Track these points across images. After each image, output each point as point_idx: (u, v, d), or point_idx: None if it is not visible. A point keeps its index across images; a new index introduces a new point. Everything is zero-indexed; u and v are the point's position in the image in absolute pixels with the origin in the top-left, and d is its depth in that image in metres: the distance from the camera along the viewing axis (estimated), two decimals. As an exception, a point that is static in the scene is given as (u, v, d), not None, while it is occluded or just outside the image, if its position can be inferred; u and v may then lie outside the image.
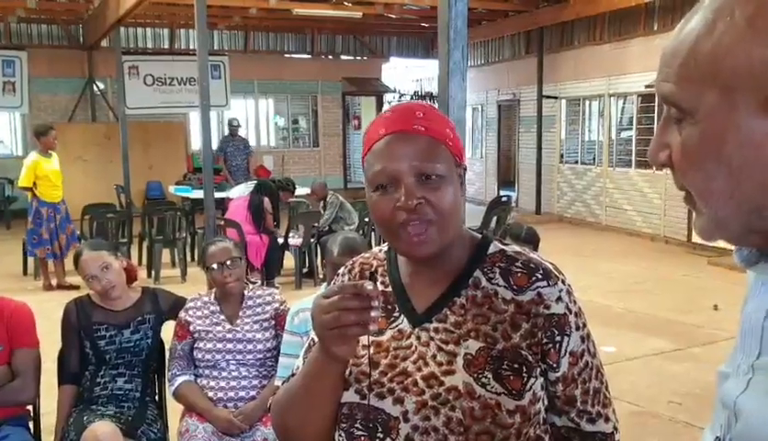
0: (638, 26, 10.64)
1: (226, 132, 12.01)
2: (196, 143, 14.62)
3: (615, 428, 1.21)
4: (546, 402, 1.15)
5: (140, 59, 13.12)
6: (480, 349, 1.12)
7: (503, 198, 9.68)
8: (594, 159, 12.08)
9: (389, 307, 1.21)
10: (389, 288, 1.23)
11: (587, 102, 12.24)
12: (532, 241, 2.94)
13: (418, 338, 1.16)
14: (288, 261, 8.03)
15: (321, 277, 7.92)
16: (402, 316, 1.19)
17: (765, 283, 0.73)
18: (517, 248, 1.23)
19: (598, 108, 11.90)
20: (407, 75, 18.55)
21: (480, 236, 1.24)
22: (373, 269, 1.28)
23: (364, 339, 1.13)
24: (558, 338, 1.13)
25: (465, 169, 1.20)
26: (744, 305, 0.81)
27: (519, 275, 1.15)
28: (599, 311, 6.19)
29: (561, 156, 12.87)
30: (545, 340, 1.13)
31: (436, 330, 1.15)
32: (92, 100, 13.66)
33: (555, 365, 1.14)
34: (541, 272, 1.15)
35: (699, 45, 0.68)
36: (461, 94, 2.49)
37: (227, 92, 13.47)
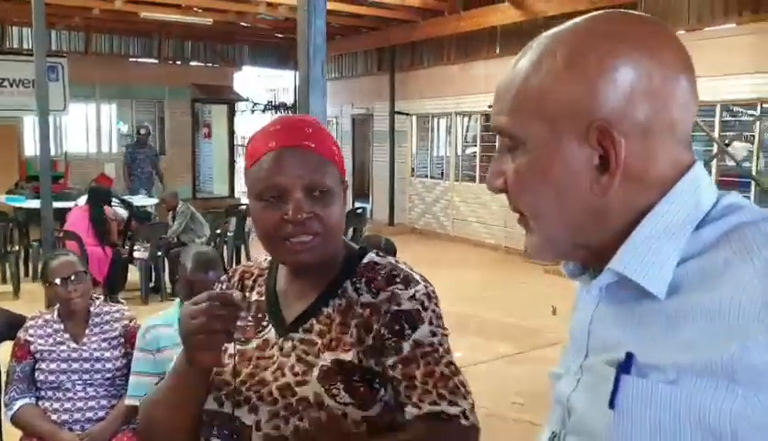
0: (483, 49, 11.26)
1: (132, 140, 11.40)
2: (29, 149, 13.61)
3: (464, 415, 1.10)
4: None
5: (-35, 57, 12.03)
6: (335, 361, 1.13)
7: (359, 210, 9.86)
8: (443, 173, 12.60)
9: (260, 316, 1.22)
10: (263, 298, 1.25)
11: (436, 119, 12.76)
12: (391, 251, 3.05)
13: (281, 349, 1.18)
14: (133, 275, 7.68)
15: (168, 291, 7.65)
16: (270, 326, 1.21)
17: (589, 292, 0.82)
18: (391, 260, 1.25)
19: (446, 125, 12.44)
20: (261, 85, 18.37)
21: (356, 248, 1.27)
22: (253, 278, 1.29)
23: (230, 348, 1.14)
24: (407, 331, 1.12)
25: (347, 186, 1.24)
26: (573, 312, 0.91)
27: (380, 280, 1.18)
28: (446, 318, 6.45)
29: (413, 170, 13.30)
30: (388, 335, 1.13)
31: (301, 340, 1.17)
32: None
33: (395, 351, 1.11)
34: (401, 277, 1.18)
35: (528, 82, 0.77)
36: (321, 108, 2.54)
37: (65, 96, 12.62)
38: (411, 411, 1.09)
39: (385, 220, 13.50)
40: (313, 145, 1.17)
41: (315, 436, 1.10)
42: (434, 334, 1.15)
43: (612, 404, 0.71)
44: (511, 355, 5.92)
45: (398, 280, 1.18)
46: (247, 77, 17.62)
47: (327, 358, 1.14)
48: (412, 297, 1.16)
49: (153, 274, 7.66)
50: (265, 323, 1.21)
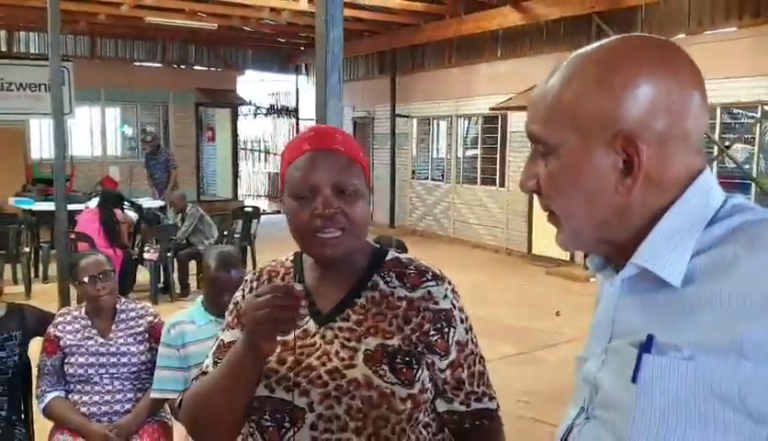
0: (484, 52, 11.39)
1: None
2: (36, 152, 13.74)
3: (498, 406, 1.40)
4: (432, 393, 1.32)
5: (-28, 61, 12.14)
6: (378, 345, 1.27)
7: (361, 212, 9.95)
8: (443, 175, 12.72)
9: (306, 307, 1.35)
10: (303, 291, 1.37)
11: (436, 122, 12.88)
12: (402, 246, 3.19)
13: (323, 337, 1.30)
14: (143, 276, 7.80)
15: (177, 292, 7.78)
16: (308, 318, 1.33)
17: (612, 284, 0.95)
18: (410, 256, 1.42)
19: (447, 128, 12.56)
20: (263, 89, 18.48)
21: (378, 246, 1.42)
22: (280, 276, 1.41)
23: (290, 336, 1.26)
24: (445, 330, 1.31)
25: (371, 189, 1.38)
26: (597, 302, 1.03)
27: (412, 275, 1.34)
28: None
29: (413, 172, 13.42)
30: (432, 331, 1.29)
31: (340, 329, 1.30)
32: None
33: (444, 353, 1.30)
34: (430, 274, 1.35)
35: (561, 96, 0.90)
36: (338, 115, 2.66)
37: (71, 99, 12.72)
38: (459, 408, 1.34)
39: (386, 222, 13.62)
40: (342, 149, 1.30)
41: (367, 412, 1.23)
42: (467, 331, 1.35)
43: (635, 379, 0.84)
44: (514, 355, 6.03)
45: (429, 276, 1.34)
46: (250, 81, 17.73)
47: (371, 343, 1.27)
48: (445, 295, 1.32)
49: (163, 274, 7.78)
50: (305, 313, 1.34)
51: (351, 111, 14.97)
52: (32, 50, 13.54)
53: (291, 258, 1.44)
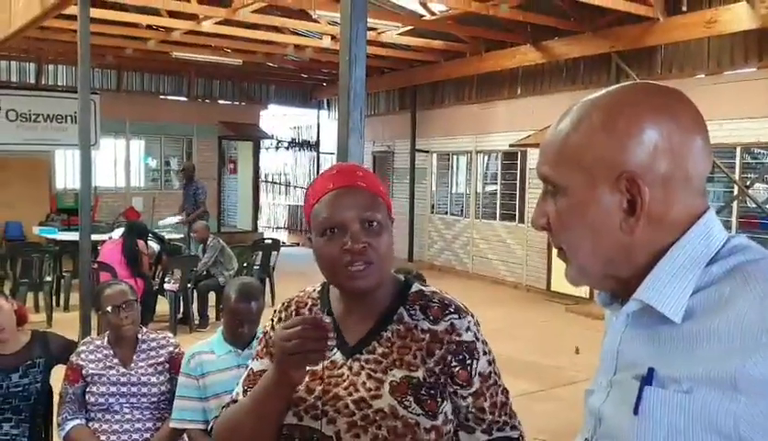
0: (504, 89, 11.49)
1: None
2: (60, 182, 13.99)
3: (522, 436, 1.42)
4: (455, 423, 1.35)
5: (2, 93, 12.45)
6: (403, 377, 1.31)
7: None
8: (462, 210, 12.75)
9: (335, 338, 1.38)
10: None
11: (456, 157, 12.96)
12: (421, 278, 3.21)
13: (350, 368, 1.34)
14: (162, 306, 7.86)
15: (196, 322, 7.82)
16: (335, 349, 1.36)
17: (618, 318, 0.98)
18: (434, 288, 1.45)
19: (466, 163, 12.62)
20: (285, 123, 18.73)
21: (402, 278, 1.45)
22: (308, 307, 1.45)
23: (319, 367, 1.30)
24: (468, 361, 1.34)
25: (393, 221, 1.42)
26: (604, 336, 1.06)
27: (435, 308, 1.37)
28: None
29: (432, 207, 13.47)
30: (454, 363, 1.33)
31: (367, 361, 1.34)
32: (-55, 134, 12.76)
33: (466, 384, 1.33)
34: (453, 307, 1.38)
35: (569, 139, 0.95)
36: (359, 150, 2.73)
37: (97, 131, 13.02)
38: (481, 437, 1.36)
39: (404, 256, 13.62)
40: (365, 185, 1.35)
41: None
42: (489, 364, 1.38)
43: (636, 411, 0.87)
44: (532, 392, 5.98)
45: (452, 309, 1.38)
46: (273, 115, 17.99)
47: (396, 375, 1.31)
48: (468, 328, 1.36)
49: (182, 305, 7.84)
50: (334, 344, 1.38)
51: (371, 146, 15.11)
52: (60, 83, 13.86)
53: (318, 289, 1.48)
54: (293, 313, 1.45)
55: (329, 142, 16.65)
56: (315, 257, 1.36)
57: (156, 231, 9.03)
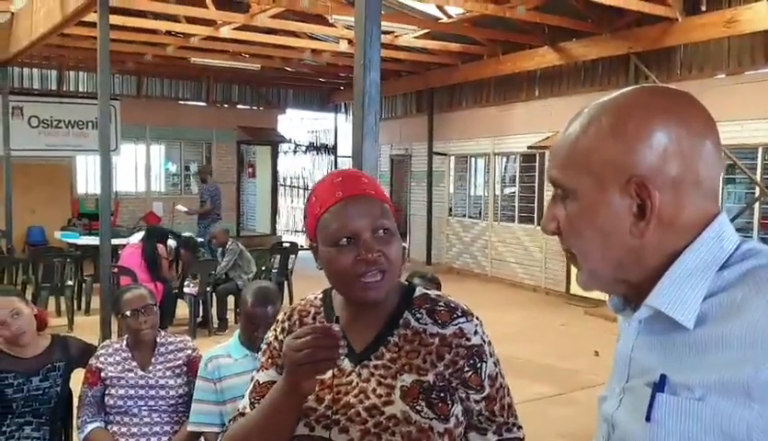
0: (522, 91, 11.44)
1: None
2: (81, 187, 14.15)
3: (524, 436, 1.43)
4: (465, 425, 1.34)
5: (24, 100, 12.63)
6: (413, 382, 1.30)
7: (397, 250, 9.99)
8: (480, 213, 12.71)
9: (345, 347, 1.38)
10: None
11: (474, 159, 12.92)
12: (436, 281, 3.23)
13: (359, 375, 1.33)
14: (181, 309, 7.92)
15: (215, 326, 7.87)
16: (343, 356, 1.34)
17: (630, 324, 0.97)
18: (438, 292, 1.45)
19: (484, 166, 12.58)
20: (302, 126, 18.82)
21: (407, 283, 1.45)
22: (311, 315, 1.44)
23: (328, 376, 1.29)
24: (478, 365, 1.34)
25: (408, 226, 1.42)
26: (617, 343, 1.05)
27: (442, 312, 1.37)
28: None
29: (450, 210, 13.44)
30: (467, 368, 1.33)
31: (375, 367, 1.33)
32: (-31, 140, 12.97)
33: (479, 387, 1.34)
34: (460, 310, 1.38)
35: (578, 143, 0.94)
36: (374, 154, 2.73)
37: (117, 137, 13.17)
38: (492, 438, 1.37)
39: (422, 259, 13.61)
40: (373, 192, 1.35)
41: None
42: (495, 365, 1.38)
43: (648, 418, 0.86)
44: (551, 396, 5.95)
45: (459, 312, 1.37)
46: (290, 119, 18.09)
47: (406, 380, 1.30)
48: (476, 331, 1.36)
49: (201, 309, 7.89)
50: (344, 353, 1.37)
51: (389, 149, 15.13)
52: (81, 89, 14.03)
53: (320, 297, 1.47)
54: (296, 322, 1.43)
55: (346, 146, 16.67)
56: (324, 267, 1.35)
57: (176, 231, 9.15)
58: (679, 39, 8.21)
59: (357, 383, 1.33)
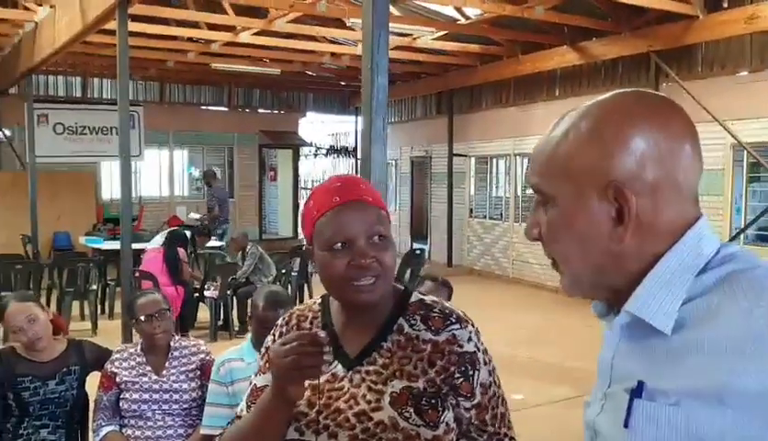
0: (542, 91, 11.38)
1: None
2: (106, 193, 14.36)
3: None
4: (457, 432, 1.34)
5: (49, 107, 12.84)
6: (403, 388, 1.31)
7: (417, 252, 10.01)
8: (501, 214, 12.65)
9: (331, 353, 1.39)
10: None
11: (494, 160, 12.87)
12: (447, 284, 3.22)
13: (351, 380, 1.34)
14: (203, 313, 7.99)
15: (236, 329, 7.93)
16: (336, 361, 1.36)
17: (612, 330, 0.97)
18: (434, 298, 1.45)
19: (505, 167, 12.53)
20: (323, 130, 18.91)
21: (402, 288, 1.45)
22: (308, 320, 1.45)
23: (315, 382, 1.31)
24: (470, 372, 1.33)
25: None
26: (602, 348, 1.05)
27: (436, 318, 1.37)
28: (505, 360, 6.49)
29: (471, 211, 13.39)
30: (457, 374, 1.32)
31: (367, 372, 1.34)
32: (-3, 148, 13.24)
33: (469, 395, 1.33)
34: (454, 317, 1.38)
35: (557, 148, 0.94)
36: (382, 157, 2.74)
37: (141, 142, 13.35)
38: None
39: (443, 261, 13.58)
40: (370, 199, 1.36)
41: None
42: (490, 373, 1.37)
43: (626, 424, 0.86)
44: (572, 398, 5.90)
45: (453, 319, 1.37)
46: (311, 122, 18.17)
47: (396, 386, 1.31)
48: (469, 338, 1.35)
49: (222, 312, 7.96)
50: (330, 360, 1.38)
51: (409, 151, 15.13)
52: (105, 96, 14.23)
53: (319, 302, 1.48)
54: (294, 327, 1.45)
55: (367, 149, 16.72)
56: (318, 271, 1.36)
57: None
58: (700, 37, 8.11)
59: (348, 389, 1.33)
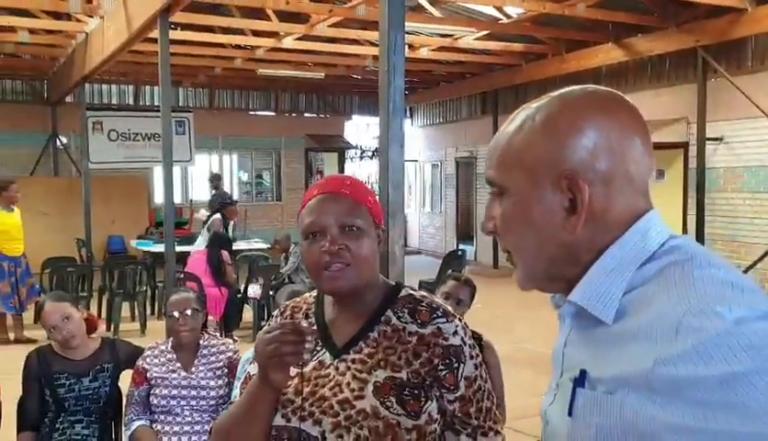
0: (587, 89, 11.18)
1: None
2: (159, 198, 14.74)
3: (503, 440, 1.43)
4: (441, 423, 1.36)
5: (104, 114, 13.26)
6: (387, 378, 1.34)
7: (459, 253, 9.97)
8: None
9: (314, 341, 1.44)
10: (314, 327, 1.46)
11: (541, 160, 12.70)
12: (470, 283, 3.23)
13: (336, 368, 1.38)
14: (248, 314, 8.13)
15: (280, 329, 8.05)
16: (324, 349, 1.42)
17: (564, 321, 0.98)
18: (425, 293, 1.48)
19: (551, 167, 12.35)
20: (368, 132, 19.00)
21: (393, 284, 1.49)
22: (302, 311, 1.51)
23: (293, 371, 1.35)
24: (455, 365, 1.36)
25: (383, 231, 1.46)
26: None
27: (423, 312, 1.40)
28: (544, 360, 6.41)
29: (517, 212, 13.24)
30: (441, 366, 1.35)
31: (353, 361, 1.38)
32: (54, 155, 13.72)
33: (453, 387, 1.35)
34: (441, 311, 1.41)
35: (511, 140, 0.95)
36: (400, 158, 2.77)
37: (191, 147, 13.66)
38: (465, 440, 1.37)
39: (489, 262, 13.48)
40: (348, 192, 1.42)
41: None
42: (476, 367, 1.39)
43: (570, 413, 0.87)
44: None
45: (439, 313, 1.40)
46: (356, 125, 18.28)
47: (380, 376, 1.34)
48: (455, 332, 1.37)
49: (266, 312, 8.08)
50: (318, 348, 1.43)
51: (454, 151, 15.08)
52: (156, 103, 14.62)
53: (314, 294, 1.54)
54: (288, 317, 1.51)
55: (412, 150, 16.72)
56: (303, 260, 1.42)
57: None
58: (749, 30, 7.86)
59: (334, 377, 1.37)
